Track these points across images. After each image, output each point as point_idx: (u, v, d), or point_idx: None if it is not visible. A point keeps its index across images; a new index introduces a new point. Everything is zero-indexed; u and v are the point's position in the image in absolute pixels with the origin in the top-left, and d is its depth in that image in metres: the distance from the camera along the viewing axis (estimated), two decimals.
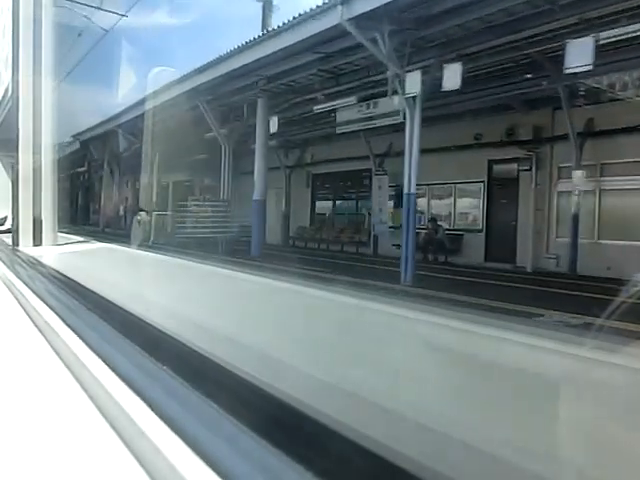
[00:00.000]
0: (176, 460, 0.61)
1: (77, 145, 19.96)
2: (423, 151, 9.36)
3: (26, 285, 2.05)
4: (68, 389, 0.97)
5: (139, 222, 14.58)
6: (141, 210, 15.41)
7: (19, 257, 2.98)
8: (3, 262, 2.99)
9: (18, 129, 3.25)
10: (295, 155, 19.12)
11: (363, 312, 1.31)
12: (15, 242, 3.28)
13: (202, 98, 13.63)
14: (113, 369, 0.92)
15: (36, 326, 1.50)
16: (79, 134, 20.00)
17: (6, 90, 5.60)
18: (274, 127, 13.55)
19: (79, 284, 1.78)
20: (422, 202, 13.80)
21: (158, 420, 0.71)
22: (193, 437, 0.64)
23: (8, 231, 4.15)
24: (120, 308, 1.31)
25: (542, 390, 0.76)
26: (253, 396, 0.71)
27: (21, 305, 1.84)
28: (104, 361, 0.97)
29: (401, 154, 9.56)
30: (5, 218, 5.74)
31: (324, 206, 18.98)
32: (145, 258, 3.99)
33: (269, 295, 1.77)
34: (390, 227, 14.39)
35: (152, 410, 0.74)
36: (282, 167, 19.11)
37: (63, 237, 3.90)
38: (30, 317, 1.62)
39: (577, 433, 0.62)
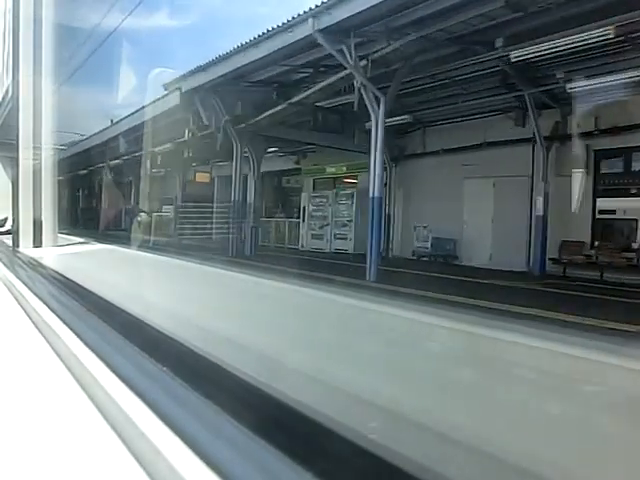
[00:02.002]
0: (176, 461, 0.61)
1: (78, 148, 19.47)
2: None
3: (26, 286, 2.05)
4: (68, 390, 0.97)
5: (139, 223, 14.57)
6: (141, 211, 15.39)
7: (19, 258, 2.98)
8: (3, 263, 2.99)
9: (18, 130, 3.25)
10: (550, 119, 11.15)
11: (364, 313, 1.31)
12: (15, 243, 3.28)
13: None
14: (113, 370, 0.92)
15: (36, 327, 1.50)
16: (79, 140, 19.46)
17: (6, 91, 5.61)
18: None
19: (79, 285, 1.78)
20: None
21: (158, 421, 0.71)
22: (193, 438, 0.64)
23: (8, 232, 4.15)
24: (120, 309, 1.31)
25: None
26: (253, 397, 0.71)
27: (21, 306, 1.84)
28: (104, 362, 0.97)
29: None
30: (5, 219, 5.74)
31: (611, 206, 10.43)
32: (145, 259, 3.99)
33: (269, 295, 1.77)
34: None
35: (152, 411, 0.74)
36: (537, 139, 11.03)
37: (63, 238, 3.90)
38: (30, 318, 1.62)
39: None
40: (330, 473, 0.54)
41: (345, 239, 16.21)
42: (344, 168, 17.29)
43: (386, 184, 14.43)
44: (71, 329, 1.25)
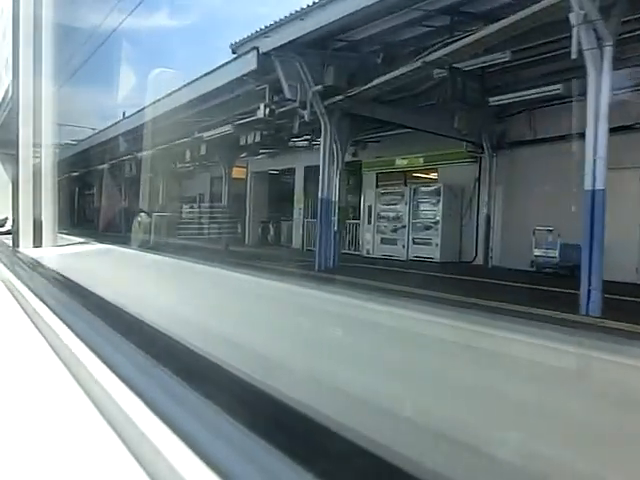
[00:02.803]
0: (176, 461, 0.61)
1: (79, 148, 19.20)
2: None
3: (26, 286, 2.05)
4: (68, 390, 0.97)
5: (139, 223, 14.52)
6: (142, 211, 15.32)
7: (19, 258, 2.98)
8: (3, 263, 2.99)
9: (18, 130, 3.25)
10: None
11: (362, 312, 1.31)
12: (15, 243, 3.28)
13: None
14: (113, 370, 0.92)
15: (36, 327, 1.50)
16: (81, 140, 19.02)
17: (6, 91, 5.61)
18: None
19: (79, 285, 1.78)
20: None
21: (158, 421, 0.71)
22: (193, 437, 0.64)
23: (8, 232, 4.15)
24: (120, 309, 1.31)
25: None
26: (253, 397, 0.71)
27: (21, 306, 1.84)
28: (104, 362, 0.97)
29: None
30: (5, 219, 5.75)
31: None
32: (145, 259, 3.99)
33: (269, 295, 1.77)
34: None
35: (152, 411, 0.74)
36: None
37: (63, 238, 3.90)
38: (30, 318, 1.62)
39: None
40: (331, 473, 0.54)
41: (428, 244, 13.48)
42: (421, 160, 14.35)
43: (478, 178, 12.65)
44: (71, 329, 1.25)
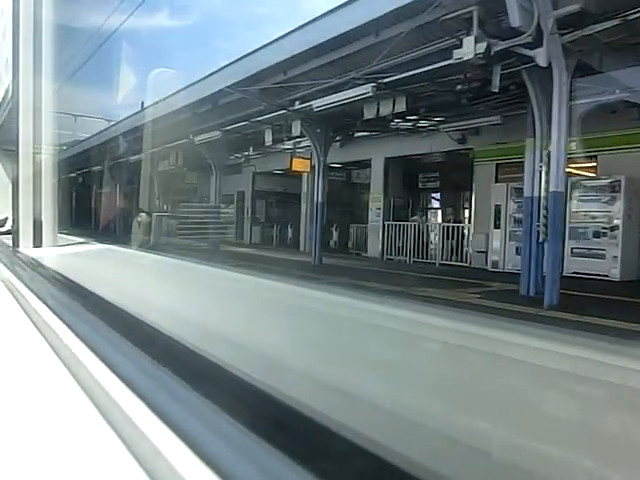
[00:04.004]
0: (176, 461, 0.61)
1: (78, 149, 18.83)
2: None
3: (26, 286, 2.05)
4: (68, 390, 0.97)
5: (139, 223, 14.49)
6: (142, 211, 15.28)
7: (19, 258, 2.98)
8: (3, 263, 2.99)
9: (18, 130, 3.25)
10: None
11: (363, 313, 1.31)
12: (15, 243, 3.28)
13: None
14: (113, 370, 0.92)
15: (36, 327, 1.50)
16: (82, 140, 18.54)
17: (6, 91, 5.61)
18: None
19: (79, 285, 1.78)
20: None
21: (158, 421, 0.71)
22: (193, 437, 0.65)
23: (8, 232, 4.15)
24: (120, 309, 1.31)
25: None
26: (254, 397, 0.71)
27: (21, 306, 1.84)
28: (104, 362, 0.97)
29: None
30: (5, 219, 5.75)
31: None
32: (145, 259, 3.99)
33: (269, 296, 1.77)
34: None
35: (152, 411, 0.74)
36: None
37: (63, 238, 3.90)
38: (30, 318, 1.62)
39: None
40: (331, 473, 0.54)
41: (599, 257, 10.07)
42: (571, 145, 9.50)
43: None
44: (71, 329, 1.25)
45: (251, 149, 17.05)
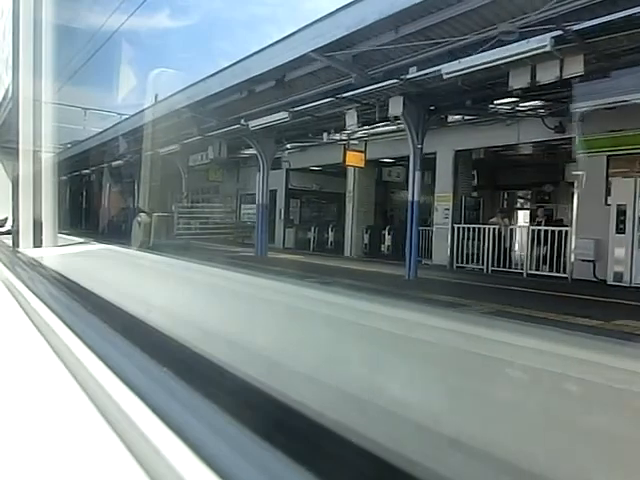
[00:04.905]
0: (176, 461, 0.61)
1: (78, 149, 18.63)
2: None
3: (26, 286, 2.05)
4: (68, 390, 0.97)
5: (139, 223, 14.46)
6: (141, 211, 15.22)
7: (19, 258, 2.98)
8: (3, 263, 2.99)
9: (18, 130, 3.25)
10: None
11: (367, 316, 1.30)
12: (15, 243, 3.28)
13: None
14: (113, 370, 0.92)
15: (36, 327, 1.50)
16: (81, 141, 17.81)
17: (7, 91, 5.61)
18: None
19: (79, 285, 1.78)
20: None
21: (158, 421, 0.71)
22: (193, 438, 0.64)
23: (8, 232, 4.15)
24: (120, 309, 1.31)
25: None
26: (254, 397, 0.71)
27: (21, 306, 1.84)
28: (104, 362, 0.97)
29: None
30: (5, 219, 5.75)
31: None
32: (145, 259, 3.99)
33: (269, 296, 1.76)
34: None
35: (152, 411, 0.74)
36: None
37: (63, 239, 3.90)
38: (30, 318, 1.62)
39: None
40: (331, 474, 0.54)
41: None
42: None
43: None
44: (71, 329, 1.25)
45: (325, 134, 13.81)
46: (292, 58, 9.06)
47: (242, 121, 12.34)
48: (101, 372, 0.93)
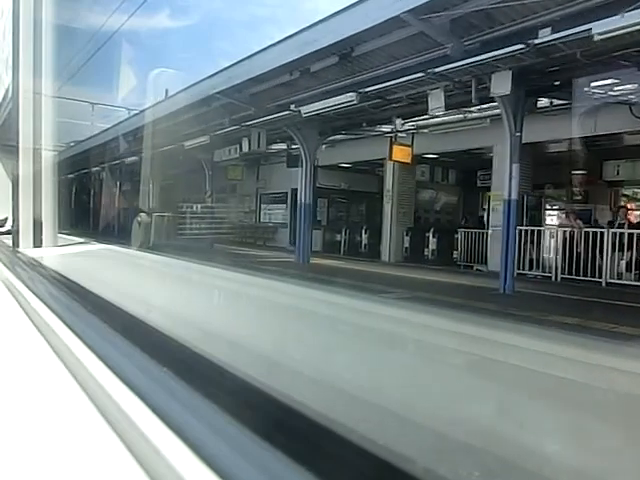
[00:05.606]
0: (176, 461, 0.61)
1: (78, 149, 18.46)
2: None
3: (26, 286, 2.05)
4: (68, 390, 0.97)
5: (139, 223, 14.41)
6: (141, 211, 15.13)
7: (19, 258, 2.98)
8: (3, 263, 2.98)
9: (18, 130, 3.25)
10: None
11: (365, 316, 1.30)
12: (15, 243, 3.28)
13: None
14: (113, 370, 0.92)
15: (36, 327, 1.49)
16: (81, 141, 18.23)
17: (7, 91, 5.61)
18: None
19: (79, 285, 1.78)
20: None
21: (158, 421, 0.71)
22: (193, 438, 0.64)
23: (8, 232, 4.15)
24: (120, 309, 1.31)
25: None
26: (254, 398, 0.71)
27: (21, 306, 1.84)
28: (104, 362, 0.97)
29: None
30: (5, 219, 5.75)
31: None
32: (145, 259, 3.99)
33: (268, 297, 1.76)
34: None
35: (152, 410, 0.74)
36: None
37: (63, 239, 3.90)
38: (30, 318, 1.62)
39: None
40: (331, 474, 0.54)
41: None
42: None
43: None
44: (71, 329, 1.25)
45: (397, 121, 11.66)
46: (375, 23, 6.83)
47: (292, 107, 10.33)
48: (101, 372, 0.93)
